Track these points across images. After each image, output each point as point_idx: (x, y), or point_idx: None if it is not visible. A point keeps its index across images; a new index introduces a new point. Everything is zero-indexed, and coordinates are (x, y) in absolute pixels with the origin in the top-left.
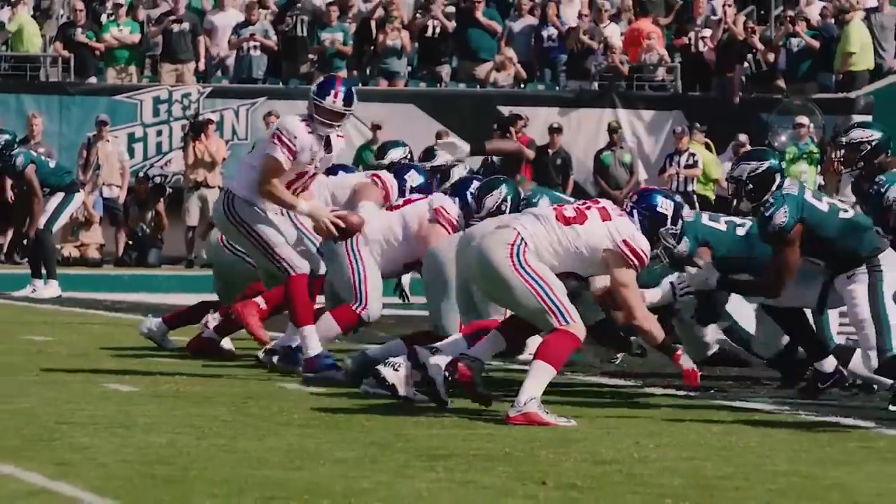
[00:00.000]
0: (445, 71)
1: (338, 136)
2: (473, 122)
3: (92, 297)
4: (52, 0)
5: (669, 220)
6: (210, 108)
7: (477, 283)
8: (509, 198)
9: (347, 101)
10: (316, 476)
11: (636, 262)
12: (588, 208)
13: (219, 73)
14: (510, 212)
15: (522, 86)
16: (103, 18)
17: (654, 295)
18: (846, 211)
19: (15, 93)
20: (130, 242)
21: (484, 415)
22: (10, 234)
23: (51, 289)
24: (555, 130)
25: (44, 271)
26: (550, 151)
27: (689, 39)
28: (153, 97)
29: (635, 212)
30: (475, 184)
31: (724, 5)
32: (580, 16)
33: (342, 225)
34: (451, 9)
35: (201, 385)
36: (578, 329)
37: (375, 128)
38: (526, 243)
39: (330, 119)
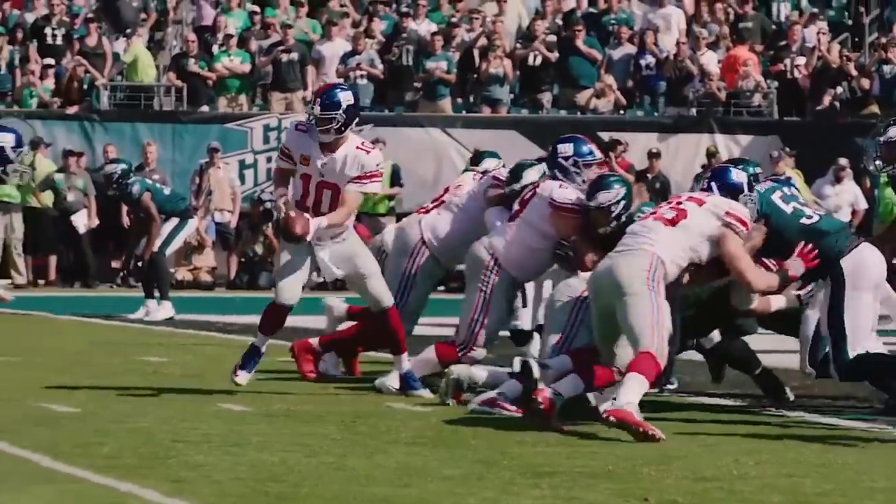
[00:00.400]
0: (546, 98)
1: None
2: None
3: (205, 319)
4: (165, 31)
5: (745, 188)
6: None
7: (606, 297)
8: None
9: (324, 106)
10: (424, 493)
11: (742, 227)
12: (679, 203)
13: None
14: (623, 213)
15: (622, 112)
16: (215, 49)
17: (778, 301)
18: (810, 217)
19: (130, 121)
20: (242, 265)
21: (587, 433)
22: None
23: (164, 310)
24: (653, 155)
25: (157, 294)
26: (649, 176)
27: (785, 66)
28: (263, 125)
29: (713, 185)
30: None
31: (818, 33)
32: (678, 44)
33: (287, 225)
34: (553, 37)
35: (311, 404)
36: (662, 355)
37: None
38: (663, 262)
39: (318, 126)
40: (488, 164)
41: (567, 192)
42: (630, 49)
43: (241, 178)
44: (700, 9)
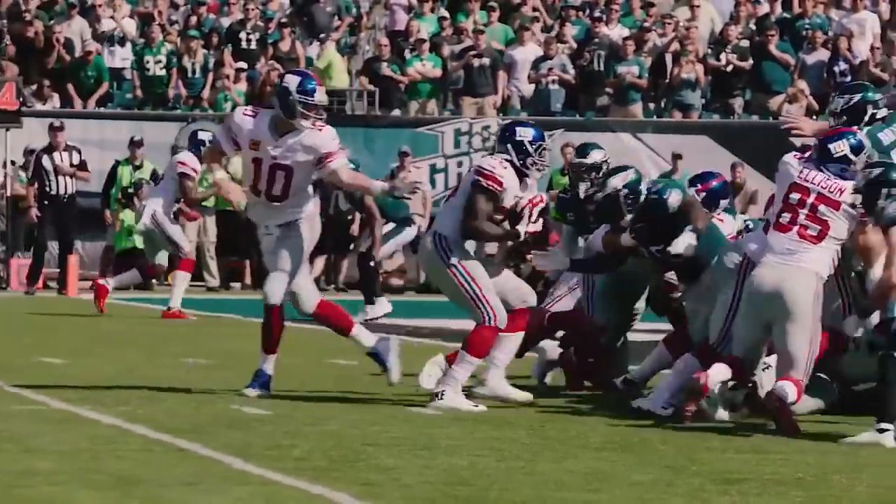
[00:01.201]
0: (738, 103)
1: (310, 127)
2: (765, 153)
3: (395, 323)
4: (358, 36)
5: (852, 154)
6: None
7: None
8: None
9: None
10: (612, 498)
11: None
12: (813, 207)
13: (518, 106)
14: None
15: (815, 117)
16: (407, 54)
17: None
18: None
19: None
20: None
21: (777, 439)
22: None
23: (380, 306)
24: None
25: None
26: None
27: None
28: (454, 129)
29: (825, 166)
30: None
31: None
32: (872, 49)
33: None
34: (745, 42)
35: (501, 408)
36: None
37: (676, 157)
38: (821, 279)
39: (316, 113)
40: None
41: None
42: (823, 54)
43: (433, 182)
44: (895, 14)
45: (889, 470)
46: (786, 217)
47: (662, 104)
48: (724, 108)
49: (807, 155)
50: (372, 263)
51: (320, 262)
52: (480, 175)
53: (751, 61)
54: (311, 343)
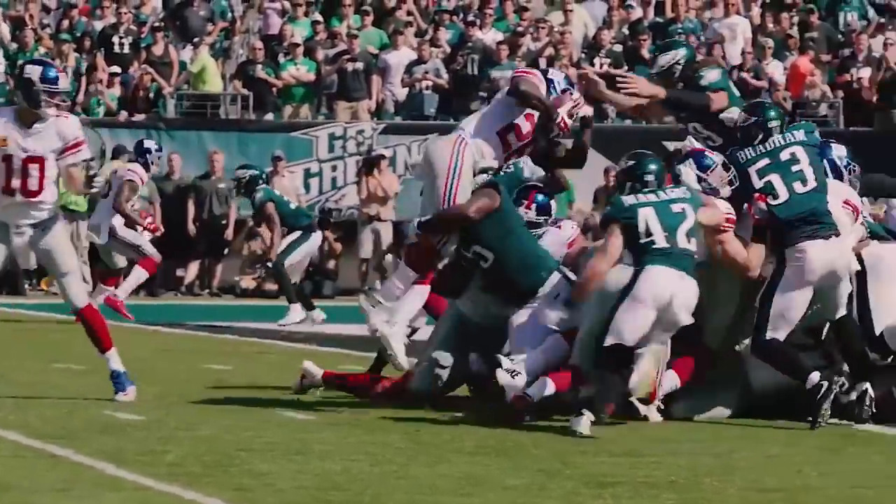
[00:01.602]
0: (612, 108)
1: (56, 116)
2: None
3: (269, 328)
4: (232, 40)
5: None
6: (383, 143)
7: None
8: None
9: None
10: (486, 502)
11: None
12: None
13: (392, 110)
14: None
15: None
16: (280, 57)
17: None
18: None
19: (197, 129)
20: (307, 273)
21: (650, 443)
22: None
23: (293, 314)
24: None
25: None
26: None
27: (851, 76)
28: (328, 133)
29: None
30: None
31: (885, 42)
32: (743, 53)
33: None
34: (619, 47)
35: (375, 413)
36: None
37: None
38: None
39: (60, 100)
40: None
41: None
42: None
43: (307, 186)
44: (766, 19)
45: (760, 472)
46: None
47: None
48: (597, 112)
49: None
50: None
51: (194, 266)
52: None
53: (625, 66)
54: (185, 348)
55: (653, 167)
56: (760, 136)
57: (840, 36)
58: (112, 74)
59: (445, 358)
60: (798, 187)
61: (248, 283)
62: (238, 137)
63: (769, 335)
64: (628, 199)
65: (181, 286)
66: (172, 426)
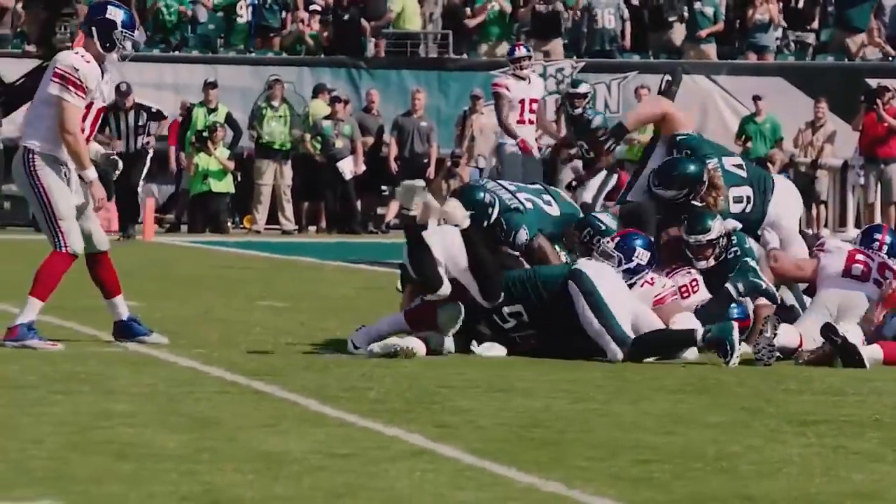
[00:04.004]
0: (812, 41)
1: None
2: (843, 94)
3: None
4: None
5: None
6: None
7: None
8: None
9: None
10: (688, 440)
11: None
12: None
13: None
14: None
15: (891, 59)
16: None
17: None
18: None
19: (396, 69)
20: None
21: (854, 381)
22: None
23: None
24: None
25: None
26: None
27: None
28: None
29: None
30: None
31: None
32: None
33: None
34: None
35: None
36: None
37: (757, 99)
38: None
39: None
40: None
41: None
42: None
43: None
44: None
45: None
46: None
47: (737, 46)
48: (799, 47)
49: None
50: None
51: (395, 205)
52: None
53: None
54: (386, 286)
55: None
56: None
57: None
58: (313, 13)
59: None
60: None
61: None
62: (438, 76)
63: None
64: None
65: (382, 224)
66: (374, 363)
